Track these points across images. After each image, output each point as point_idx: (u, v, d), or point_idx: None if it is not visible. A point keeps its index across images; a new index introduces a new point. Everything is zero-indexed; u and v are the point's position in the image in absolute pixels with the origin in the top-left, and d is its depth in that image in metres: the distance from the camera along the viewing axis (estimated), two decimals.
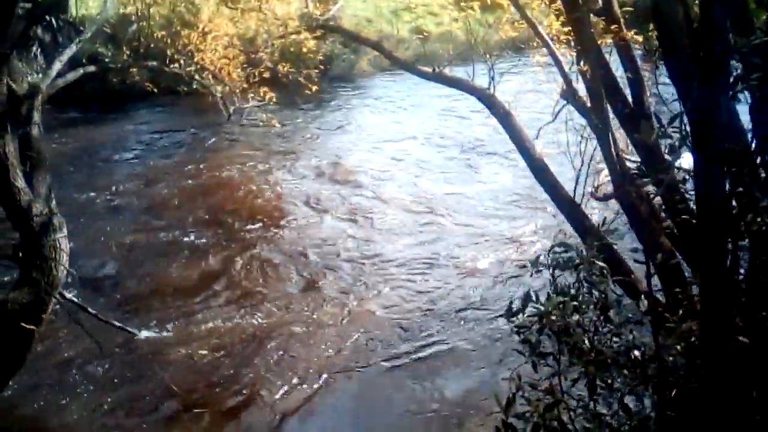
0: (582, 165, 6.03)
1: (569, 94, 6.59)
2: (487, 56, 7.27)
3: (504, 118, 7.07)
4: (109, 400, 6.34)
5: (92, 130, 13.45)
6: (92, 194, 10.71)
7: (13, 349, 5.54)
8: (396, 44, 16.23)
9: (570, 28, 5.89)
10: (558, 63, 6.64)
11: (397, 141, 13.09)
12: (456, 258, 9.00)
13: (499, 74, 7.15)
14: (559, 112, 6.94)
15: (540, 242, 9.07)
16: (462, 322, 7.62)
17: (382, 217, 10.19)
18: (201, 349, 7.11)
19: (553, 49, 6.57)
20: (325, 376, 6.76)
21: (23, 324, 5.37)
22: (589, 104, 6.06)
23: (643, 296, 3.34)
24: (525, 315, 3.07)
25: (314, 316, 7.74)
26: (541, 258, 3.13)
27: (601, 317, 3.34)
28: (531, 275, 3.23)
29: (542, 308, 3.02)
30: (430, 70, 7.66)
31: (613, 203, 6.00)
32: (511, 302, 3.15)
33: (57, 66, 6.35)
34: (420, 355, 7.11)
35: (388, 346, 7.26)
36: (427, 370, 6.88)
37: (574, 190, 6.20)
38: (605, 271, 3.25)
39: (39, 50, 13.43)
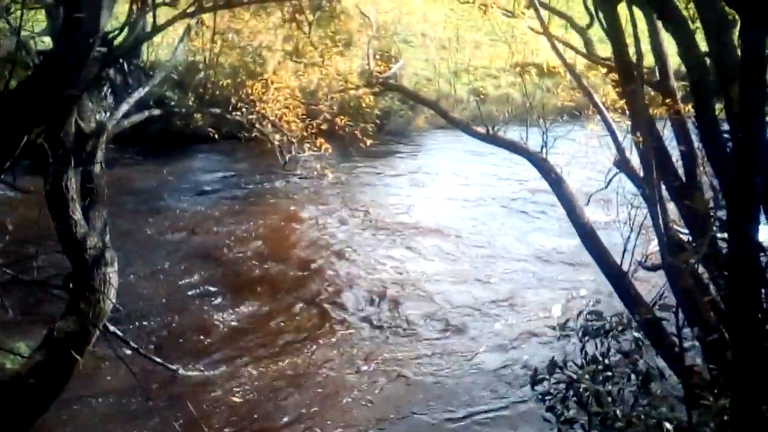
0: (631, 233, 5.96)
1: (622, 163, 6.58)
2: (542, 120, 7.32)
3: (555, 182, 7.06)
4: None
5: (154, 169, 13.87)
6: (147, 231, 11.00)
7: (54, 376, 5.65)
8: (454, 104, 16.43)
9: (625, 99, 5.91)
10: (612, 132, 6.65)
11: (447, 197, 13.13)
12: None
13: (552, 139, 7.18)
14: (611, 180, 6.92)
15: None
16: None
17: (432, 263, 10.27)
18: (239, 390, 7.15)
19: (607, 117, 6.58)
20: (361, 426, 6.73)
21: (66, 353, 5.49)
22: (641, 174, 6.03)
23: (676, 371, 3.26)
24: (551, 382, 3.01)
25: (364, 365, 7.74)
26: (570, 323, 3.09)
27: (641, 389, 3.26)
28: (558, 339, 3.20)
29: (572, 375, 2.96)
30: (484, 131, 7.74)
31: None
32: (536, 369, 3.10)
33: (124, 107, 6.63)
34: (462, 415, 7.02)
35: (436, 402, 7.20)
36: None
37: (622, 258, 6.13)
38: (641, 343, 3.19)
39: (110, 90, 14.05)
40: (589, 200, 7.08)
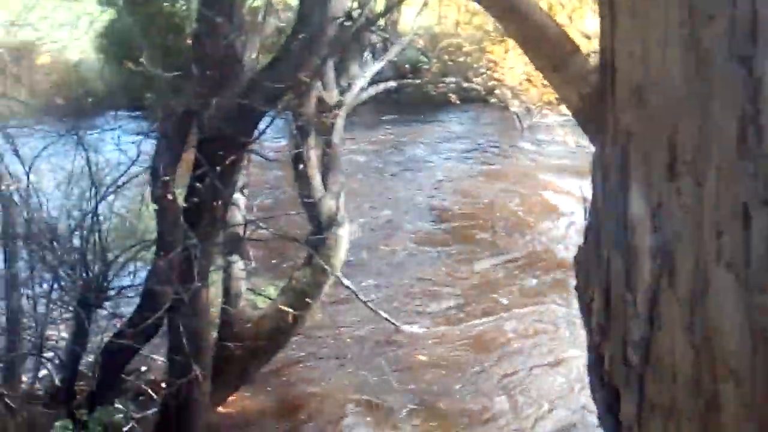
0: None
1: None
2: None
3: None
4: (351, 381, 7.00)
5: (402, 130, 14.73)
6: (387, 195, 11.77)
7: (290, 319, 6.40)
8: None
9: None
10: None
11: None
12: None
13: None
14: None
15: None
16: None
17: None
18: (455, 352, 7.46)
19: None
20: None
21: (301, 300, 6.25)
22: None
23: None
24: None
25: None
26: None
27: None
28: None
29: None
30: None
31: None
32: None
33: (361, 82, 7.20)
34: None
35: None
36: None
37: None
38: None
39: (371, 55, 14.93)
40: None
